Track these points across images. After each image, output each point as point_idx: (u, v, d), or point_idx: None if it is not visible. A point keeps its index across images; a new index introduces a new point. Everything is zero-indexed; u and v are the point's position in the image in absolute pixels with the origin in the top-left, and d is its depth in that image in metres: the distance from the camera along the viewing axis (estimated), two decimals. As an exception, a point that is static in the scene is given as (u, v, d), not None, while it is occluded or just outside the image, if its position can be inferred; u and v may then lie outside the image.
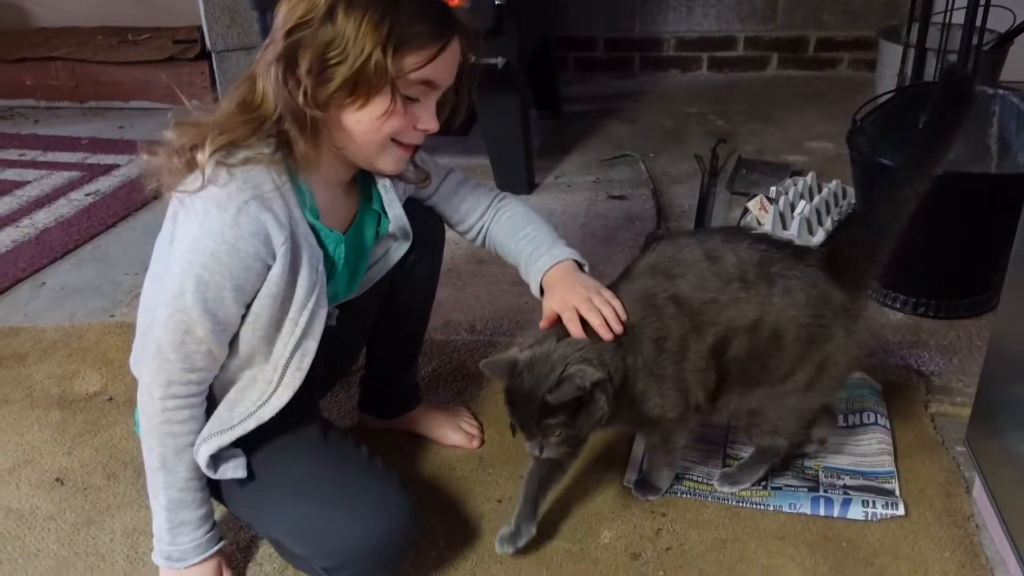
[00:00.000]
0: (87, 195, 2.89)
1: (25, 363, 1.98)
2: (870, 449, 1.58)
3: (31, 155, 3.31)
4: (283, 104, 1.15)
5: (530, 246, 1.45)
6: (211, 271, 1.14)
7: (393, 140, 1.22)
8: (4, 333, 2.10)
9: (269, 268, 1.18)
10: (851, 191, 2.39)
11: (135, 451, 1.65)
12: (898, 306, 2.00)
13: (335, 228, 1.29)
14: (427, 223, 1.50)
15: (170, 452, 1.24)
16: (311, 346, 1.25)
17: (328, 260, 1.27)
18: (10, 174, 3.11)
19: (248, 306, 1.20)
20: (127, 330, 2.05)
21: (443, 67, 1.20)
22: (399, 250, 1.44)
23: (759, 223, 2.32)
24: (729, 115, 3.34)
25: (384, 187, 1.37)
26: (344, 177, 1.31)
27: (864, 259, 1.36)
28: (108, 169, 3.11)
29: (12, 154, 3.32)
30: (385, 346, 1.64)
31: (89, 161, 3.21)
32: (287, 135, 1.17)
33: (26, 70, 3.83)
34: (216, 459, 1.26)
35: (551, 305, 1.36)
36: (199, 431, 1.24)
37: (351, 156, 1.24)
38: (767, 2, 3.75)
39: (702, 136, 3.11)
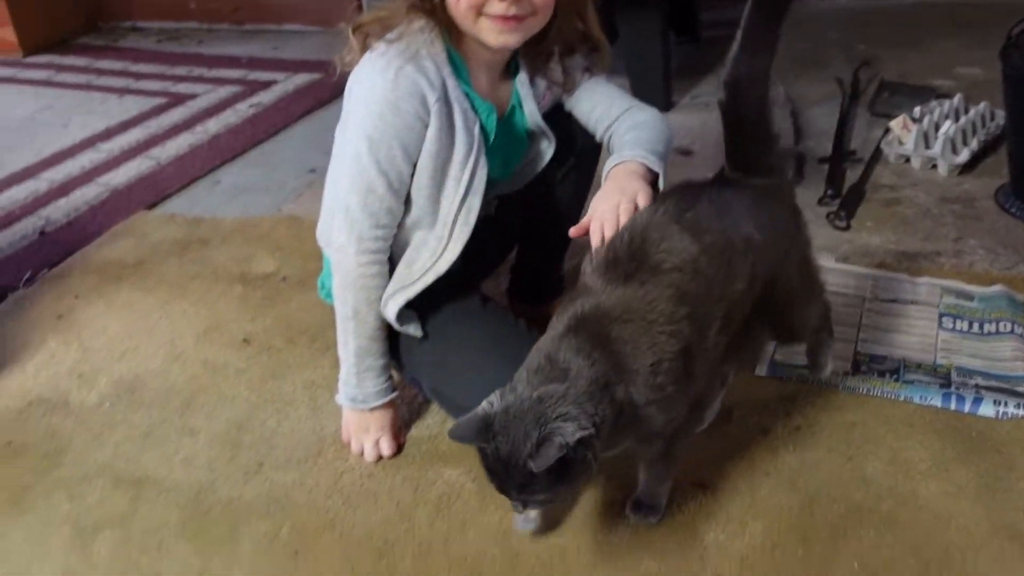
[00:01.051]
0: (250, 107, 3.12)
1: (208, 247, 2.21)
2: (1004, 355, 1.61)
3: (198, 71, 3.59)
4: None
5: (622, 147, 1.45)
6: (380, 131, 1.33)
7: (483, 14, 1.31)
8: (188, 222, 2.35)
9: (427, 127, 1.34)
10: (1000, 113, 2.34)
11: (309, 321, 1.86)
12: (1044, 224, 1.99)
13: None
14: (586, 140, 1.59)
15: (362, 303, 1.42)
16: (475, 203, 1.40)
17: (483, 130, 1.40)
18: (181, 87, 3.39)
19: (414, 165, 1.37)
20: (295, 223, 2.25)
21: None
22: (547, 152, 1.55)
23: (900, 143, 2.32)
24: (871, 41, 3.27)
25: (521, 82, 1.48)
26: (490, 58, 1.41)
27: (760, 144, 1.31)
28: (267, 84, 3.34)
29: (181, 70, 3.61)
30: (536, 242, 1.77)
31: (249, 77, 3.45)
32: (438, 13, 1.33)
33: (191, -7, 4.12)
34: (399, 318, 1.43)
35: (589, 213, 1.33)
36: (384, 286, 1.42)
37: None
38: (919, -76, 3.62)
39: (843, 61, 3.07)
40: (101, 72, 3.65)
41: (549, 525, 1.33)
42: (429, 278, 1.41)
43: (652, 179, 1.38)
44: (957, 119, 2.34)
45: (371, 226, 1.38)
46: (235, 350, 1.82)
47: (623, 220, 1.25)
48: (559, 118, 1.55)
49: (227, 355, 1.80)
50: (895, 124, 2.34)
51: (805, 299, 1.40)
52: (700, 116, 2.74)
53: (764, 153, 1.31)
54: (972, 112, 2.37)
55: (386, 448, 1.50)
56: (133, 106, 3.21)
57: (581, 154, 1.61)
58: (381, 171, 1.34)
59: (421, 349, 1.48)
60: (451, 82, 1.35)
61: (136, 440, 1.60)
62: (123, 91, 3.41)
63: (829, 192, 2.17)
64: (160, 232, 2.30)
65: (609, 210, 1.27)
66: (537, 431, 1.06)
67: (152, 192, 2.51)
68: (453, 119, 1.35)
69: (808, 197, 2.21)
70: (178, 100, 3.24)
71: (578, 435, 1.05)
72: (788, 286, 1.34)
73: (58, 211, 2.42)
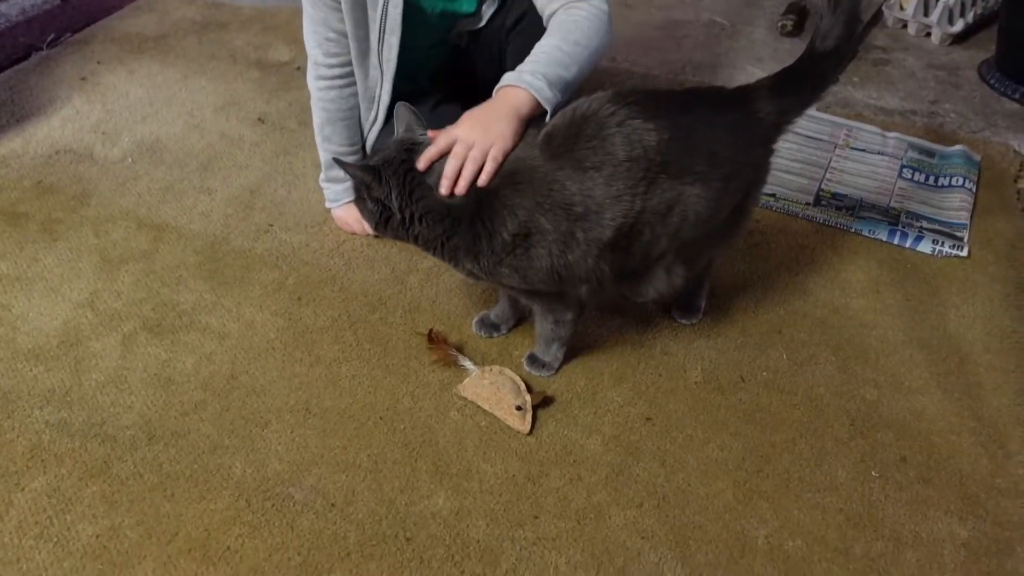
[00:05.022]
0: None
1: (227, 31, 2.30)
2: (951, 205, 1.77)
3: None
4: None
5: (531, 56, 1.35)
6: None
7: None
8: (208, 5, 2.42)
9: None
10: (1002, -10, 2.41)
11: (321, 107, 1.98)
12: (1017, 97, 2.11)
13: None
14: None
15: (325, 121, 1.58)
16: (394, 41, 1.49)
17: None
18: None
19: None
20: (312, 16, 2.33)
21: None
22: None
23: (901, 8, 2.40)
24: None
25: None
26: None
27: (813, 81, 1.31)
28: None
29: None
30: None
31: None
32: None
33: None
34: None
35: (447, 130, 1.24)
36: (345, 110, 1.57)
37: None
38: None
39: (865, -75, 3.08)
40: None
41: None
42: (382, 114, 1.56)
43: (539, 113, 1.29)
44: (960, -9, 2.41)
45: (323, 54, 1.53)
46: (250, 126, 1.94)
47: (468, 169, 1.18)
48: None
49: (242, 129, 1.93)
50: (899, -12, 2.42)
51: (730, 236, 1.36)
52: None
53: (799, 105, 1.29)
54: (975, -14, 2.44)
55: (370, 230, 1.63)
56: None
57: (527, 12, 1.54)
58: (314, 4, 1.48)
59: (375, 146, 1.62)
60: None
61: (157, 192, 1.74)
62: None
63: (824, 46, 2.27)
64: (180, 11, 2.37)
65: (461, 147, 1.19)
66: (375, 159, 1.22)
67: (172, -27, 2.55)
68: None
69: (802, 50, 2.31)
70: None
71: (376, 193, 1.20)
72: (724, 220, 1.27)
73: (79, -19, 2.47)
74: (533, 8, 1.48)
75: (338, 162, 1.22)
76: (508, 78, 1.30)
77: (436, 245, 1.22)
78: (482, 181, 1.18)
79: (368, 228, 1.59)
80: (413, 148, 1.21)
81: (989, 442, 1.30)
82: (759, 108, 1.24)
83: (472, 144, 1.19)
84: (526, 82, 1.28)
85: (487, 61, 1.63)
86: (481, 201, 1.18)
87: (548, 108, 1.28)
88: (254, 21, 2.33)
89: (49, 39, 2.20)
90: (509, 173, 1.18)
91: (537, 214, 1.16)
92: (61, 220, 1.66)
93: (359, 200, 1.25)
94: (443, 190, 1.18)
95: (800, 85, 1.28)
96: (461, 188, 1.17)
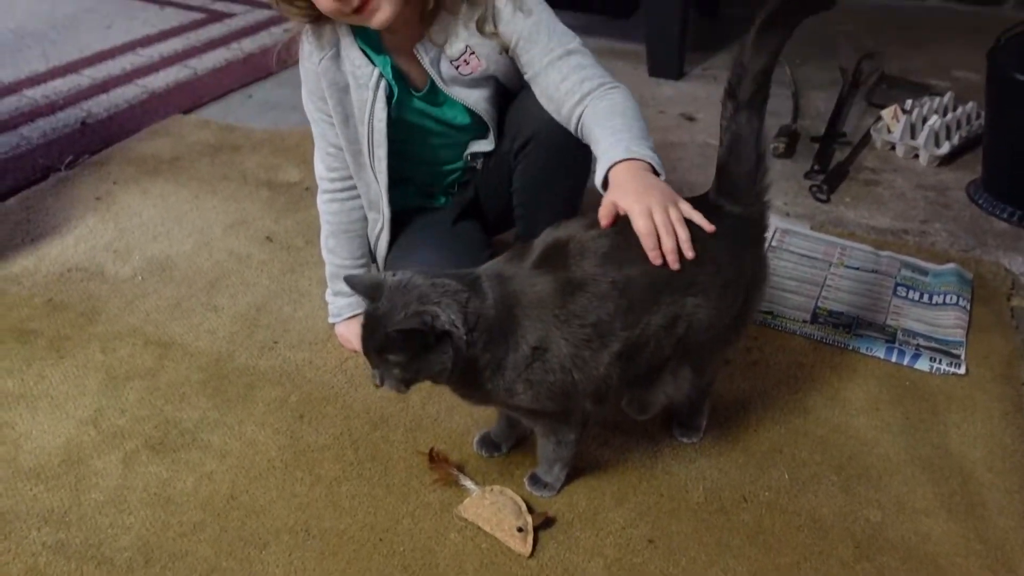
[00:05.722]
0: (285, 31, 3.25)
1: (239, 153, 2.38)
2: (947, 323, 1.80)
3: (235, -8, 3.72)
4: None
5: (612, 136, 1.31)
6: (305, 87, 1.55)
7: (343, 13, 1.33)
8: (222, 128, 2.51)
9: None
10: (985, 114, 2.51)
11: (328, 227, 2.03)
12: (1005, 216, 2.16)
13: (416, 80, 1.51)
14: (540, 123, 1.50)
15: (329, 236, 1.65)
16: (382, 154, 1.53)
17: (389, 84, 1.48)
18: (219, 6, 3.53)
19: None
20: (321, 139, 2.42)
21: None
22: (485, 118, 1.57)
23: (889, 131, 2.49)
24: (881, 37, 3.42)
25: (417, 50, 1.46)
26: (389, 34, 1.47)
27: (749, 170, 1.31)
28: (302, 12, 3.47)
29: (220, -11, 3.74)
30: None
31: (285, 3, 3.58)
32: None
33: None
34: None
35: (617, 198, 1.21)
36: (347, 223, 1.63)
37: None
38: (942, -69, 3.75)
39: (851, 52, 3.22)
40: (142, -18, 3.78)
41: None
42: (386, 226, 1.62)
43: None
44: (944, 114, 2.50)
45: (326, 168, 1.60)
46: (258, 244, 1.99)
47: (668, 244, 1.18)
48: (515, 95, 1.56)
49: (251, 248, 1.98)
50: (886, 113, 2.51)
51: (734, 339, 1.39)
52: (707, 87, 2.90)
53: (752, 180, 1.31)
54: (959, 110, 2.54)
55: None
56: (173, 17, 3.36)
57: (535, 136, 1.53)
58: (314, 120, 1.56)
59: (392, 261, 1.67)
60: (346, 40, 1.45)
61: (165, 310, 1.78)
62: (163, 2, 3.54)
63: (816, 167, 2.35)
64: (194, 135, 2.47)
65: (660, 207, 1.18)
66: (415, 305, 1.11)
67: (188, 98, 2.67)
68: (345, 76, 1.47)
69: (796, 170, 2.39)
70: (216, 17, 3.38)
71: (445, 327, 1.10)
72: (727, 324, 1.30)
73: (99, 106, 2.58)
74: (541, 133, 1.51)
75: (401, 331, 1.11)
76: (613, 156, 1.26)
77: (479, 363, 1.16)
78: (690, 255, 1.18)
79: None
80: (412, 279, 1.16)
81: (997, 565, 1.28)
82: (739, 200, 1.31)
83: (648, 210, 1.17)
84: (635, 152, 1.26)
85: (496, 184, 1.69)
86: (504, 322, 1.17)
87: (662, 173, 1.27)
88: (265, 143, 2.43)
89: (67, 160, 2.29)
90: (524, 299, 1.19)
91: (553, 327, 1.18)
92: (69, 337, 1.69)
93: (420, 365, 1.14)
94: (656, 261, 1.18)
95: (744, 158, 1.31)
96: (674, 262, 1.18)
